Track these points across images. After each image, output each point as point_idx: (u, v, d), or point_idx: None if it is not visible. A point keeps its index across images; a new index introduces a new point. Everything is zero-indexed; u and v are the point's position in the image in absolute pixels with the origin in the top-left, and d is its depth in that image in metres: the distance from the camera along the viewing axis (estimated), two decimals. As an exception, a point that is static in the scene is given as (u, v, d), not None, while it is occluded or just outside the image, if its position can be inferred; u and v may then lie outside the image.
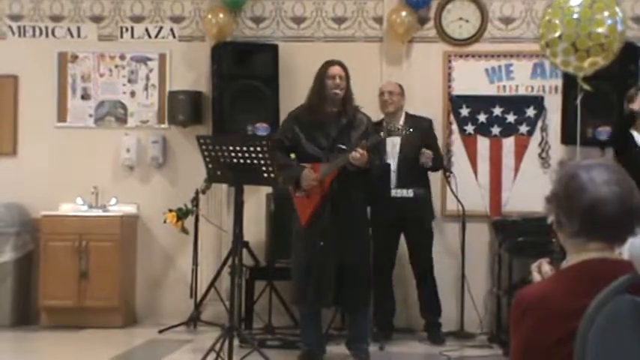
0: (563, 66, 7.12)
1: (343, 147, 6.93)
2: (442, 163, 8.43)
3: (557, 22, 6.94)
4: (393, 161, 8.06)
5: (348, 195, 6.95)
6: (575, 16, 6.80)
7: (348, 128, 7.05)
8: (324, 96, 7.01)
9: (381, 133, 7.11)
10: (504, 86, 8.85)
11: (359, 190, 7.05)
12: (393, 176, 8.01)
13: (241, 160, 6.55)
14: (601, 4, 6.84)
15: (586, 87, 7.00)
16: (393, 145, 8.09)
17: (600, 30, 6.79)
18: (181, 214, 8.64)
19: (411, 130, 7.44)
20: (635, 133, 7.18)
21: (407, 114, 8.26)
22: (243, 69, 8.79)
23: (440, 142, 8.53)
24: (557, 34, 6.89)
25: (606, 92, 7.89)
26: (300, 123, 7.08)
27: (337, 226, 6.88)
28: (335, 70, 7.06)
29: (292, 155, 7.17)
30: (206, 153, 6.67)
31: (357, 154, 6.75)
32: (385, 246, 7.99)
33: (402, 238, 8.25)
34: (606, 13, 6.83)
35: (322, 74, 7.07)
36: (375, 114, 8.07)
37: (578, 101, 7.27)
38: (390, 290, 8.25)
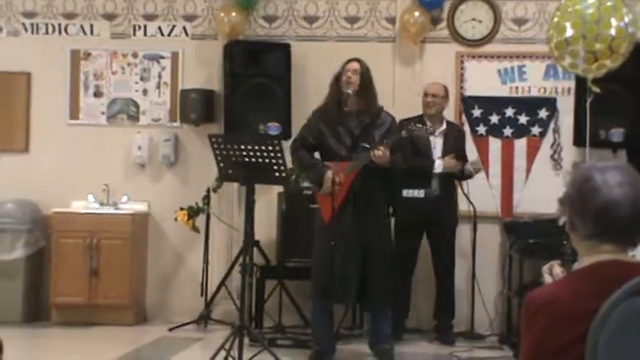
0: (571, 68, 7.12)
1: (366, 146, 6.96)
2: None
3: (565, 24, 6.94)
4: (437, 165, 8.11)
5: (369, 195, 6.97)
6: (583, 18, 6.80)
7: (371, 127, 7.07)
8: (339, 92, 7.04)
9: (403, 132, 7.10)
10: (517, 87, 8.83)
11: (380, 190, 7.07)
12: (436, 179, 8.08)
13: (253, 159, 6.56)
14: (609, 6, 6.83)
15: (595, 89, 6.99)
16: (435, 149, 8.12)
17: (607, 32, 6.78)
18: (192, 213, 8.66)
19: (431, 129, 7.54)
20: None
21: (447, 121, 8.30)
22: (256, 68, 8.80)
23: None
24: (564, 37, 6.89)
25: (619, 94, 7.87)
26: (325, 120, 7.10)
27: (359, 226, 6.92)
28: (350, 65, 7.09)
29: (316, 153, 7.21)
30: (217, 152, 6.68)
31: (380, 152, 6.81)
32: (407, 247, 8.01)
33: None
34: (614, 16, 6.82)
35: (340, 71, 7.12)
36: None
37: (588, 103, 7.26)
38: (407, 292, 8.25)
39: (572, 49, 6.89)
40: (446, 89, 8.34)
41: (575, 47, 6.87)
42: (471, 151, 8.75)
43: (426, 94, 8.25)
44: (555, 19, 7.10)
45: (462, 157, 8.20)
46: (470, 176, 8.22)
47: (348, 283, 6.92)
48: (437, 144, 8.16)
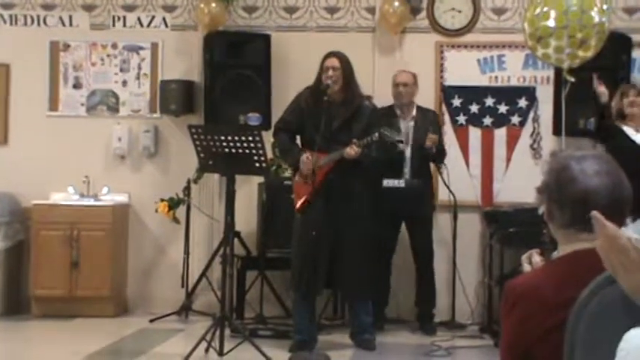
0: (544, 58, 7.15)
1: (344, 139, 6.96)
2: (444, 155, 8.40)
3: (536, 14, 6.97)
4: (407, 150, 8.07)
5: (345, 186, 7.00)
6: (556, 8, 6.83)
7: (351, 120, 7.08)
8: (319, 88, 7.05)
9: (375, 134, 7.01)
10: (496, 77, 8.85)
11: (359, 180, 7.09)
12: (408, 165, 8.04)
13: (233, 150, 6.56)
14: None
15: (570, 78, 7.02)
16: (407, 135, 8.09)
17: (577, 23, 6.80)
18: (173, 204, 8.65)
19: (402, 141, 7.50)
20: (625, 128, 7.20)
21: (417, 106, 8.29)
22: (236, 59, 8.78)
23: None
24: (537, 27, 6.92)
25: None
26: (306, 109, 7.12)
27: (332, 217, 6.95)
28: (328, 62, 7.12)
29: (298, 137, 7.28)
30: (198, 142, 6.68)
31: (352, 152, 6.83)
32: (384, 236, 8.01)
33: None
34: (583, 6, 6.84)
35: (320, 67, 7.13)
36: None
37: (564, 94, 7.29)
38: (387, 281, 8.27)
39: (544, 40, 6.92)
40: (415, 77, 8.33)
41: (547, 38, 6.90)
42: (451, 141, 8.77)
43: (396, 84, 8.23)
44: (528, 12, 7.14)
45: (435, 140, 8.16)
46: (437, 158, 8.20)
47: (319, 274, 6.97)
48: (409, 132, 8.11)
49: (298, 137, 7.33)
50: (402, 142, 7.56)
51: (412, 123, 8.16)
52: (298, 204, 7.11)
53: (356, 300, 7.37)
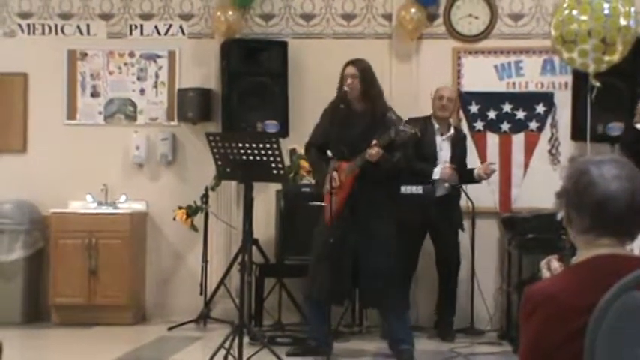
0: (569, 63, 7.13)
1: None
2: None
3: (560, 18, 6.95)
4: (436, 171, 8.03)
5: (370, 194, 6.96)
6: (583, 13, 6.81)
7: (374, 128, 7.03)
8: (340, 96, 7.05)
9: (391, 132, 6.97)
10: (514, 83, 8.83)
11: (384, 190, 7.06)
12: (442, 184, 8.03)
13: (250, 157, 6.55)
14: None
15: (596, 83, 6.98)
16: (442, 152, 8.10)
17: (602, 27, 6.77)
18: (191, 212, 8.66)
19: (418, 133, 7.41)
20: None
21: (454, 126, 8.29)
22: (253, 66, 8.80)
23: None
24: (560, 32, 6.91)
25: (618, 87, 7.86)
26: (332, 121, 7.13)
27: (357, 225, 6.92)
28: (346, 70, 7.10)
29: (329, 152, 7.27)
30: (215, 150, 6.67)
31: (373, 152, 6.80)
32: (408, 248, 7.95)
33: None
34: (610, 10, 6.81)
35: (340, 75, 7.12)
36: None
37: (589, 98, 7.25)
38: (406, 291, 8.22)
39: (568, 44, 6.89)
40: (459, 92, 8.32)
41: (571, 43, 6.88)
42: (469, 147, 8.74)
43: (441, 97, 8.17)
44: (555, 17, 7.12)
45: (462, 163, 8.17)
46: (479, 181, 8.20)
47: (340, 282, 6.95)
48: (444, 147, 8.12)
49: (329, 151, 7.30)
50: (418, 134, 7.35)
51: (449, 142, 8.12)
52: (328, 217, 6.92)
53: (388, 311, 7.27)
